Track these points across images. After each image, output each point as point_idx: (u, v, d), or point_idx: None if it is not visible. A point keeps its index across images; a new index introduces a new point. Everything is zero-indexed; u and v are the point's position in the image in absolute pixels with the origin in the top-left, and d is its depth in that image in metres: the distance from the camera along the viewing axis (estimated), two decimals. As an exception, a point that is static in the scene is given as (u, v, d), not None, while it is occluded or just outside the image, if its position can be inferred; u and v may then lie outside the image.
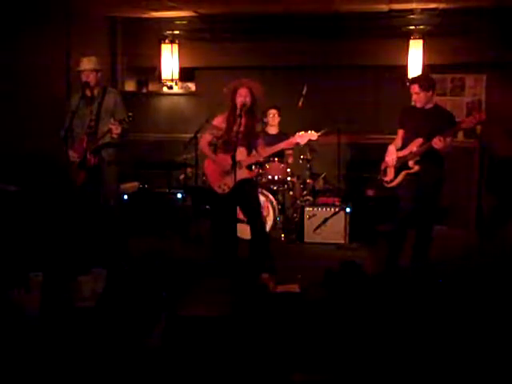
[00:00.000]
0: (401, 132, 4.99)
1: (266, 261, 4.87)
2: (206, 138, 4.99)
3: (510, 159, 6.42)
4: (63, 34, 6.57)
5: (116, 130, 4.84)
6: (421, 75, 5.24)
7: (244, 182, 4.82)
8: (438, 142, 4.54)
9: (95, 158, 5.03)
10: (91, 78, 5.05)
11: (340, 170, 7.04)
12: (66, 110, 5.14)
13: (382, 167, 5.07)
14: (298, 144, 4.80)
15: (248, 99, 4.71)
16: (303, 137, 4.64)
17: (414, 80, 4.85)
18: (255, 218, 4.95)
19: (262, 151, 4.85)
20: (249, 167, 4.86)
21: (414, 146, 4.78)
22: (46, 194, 5.50)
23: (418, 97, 4.78)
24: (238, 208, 5.09)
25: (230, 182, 4.74)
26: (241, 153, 4.75)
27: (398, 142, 4.98)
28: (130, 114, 4.93)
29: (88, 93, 5.09)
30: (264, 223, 5.19)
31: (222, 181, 4.84)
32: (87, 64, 5.07)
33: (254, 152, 4.86)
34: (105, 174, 5.16)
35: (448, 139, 4.59)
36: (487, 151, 6.56)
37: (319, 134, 4.68)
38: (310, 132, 4.64)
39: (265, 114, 6.47)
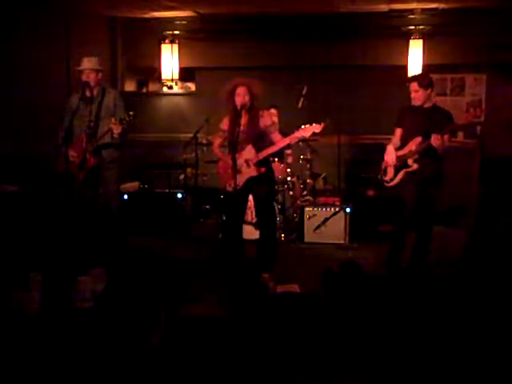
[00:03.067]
0: (399, 131, 5.00)
1: (272, 262, 4.85)
2: (216, 142, 5.01)
3: (510, 159, 6.42)
4: (63, 33, 6.57)
5: (117, 129, 4.83)
6: (420, 73, 5.25)
7: (253, 180, 4.78)
8: (436, 140, 4.57)
9: (95, 159, 5.02)
10: (91, 78, 5.05)
11: (340, 170, 7.04)
12: (66, 110, 5.13)
13: (383, 167, 5.08)
14: (302, 138, 4.76)
15: (247, 98, 4.66)
16: (307, 130, 4.60)
17: (413, 78, 4.90)
18: (265, 218, 4.89)
19: (275, 144, 4.74)
20: (258, 164, 4.77)
21: (413, 145, 4.80)
22: (46, 195, 5.50)
23: (416, 94, 4.79)
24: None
25: (238, 180, 4.73)
26: (248, 151, 4.73)
27: (396, 140, 4.99)
28: (131, 112, 4.89)
29: (88, 93, 5.07)
30: (274, 225, 5.12)
31: (231, 180, 4.74)
32: (87, 63, 5.07)
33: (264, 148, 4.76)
34: (105, 175, 5.15)
35: (446, 137, 4.62)
36: (487, 151, 6.55)
37: (322, 125, 4.62)
38: (313, 125, 4.61)
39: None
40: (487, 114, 6.89)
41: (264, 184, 4.89)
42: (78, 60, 5.17)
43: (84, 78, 5.05)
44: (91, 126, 5.02)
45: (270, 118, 5.00)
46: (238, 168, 4.67)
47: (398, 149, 4.93)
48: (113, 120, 4.87)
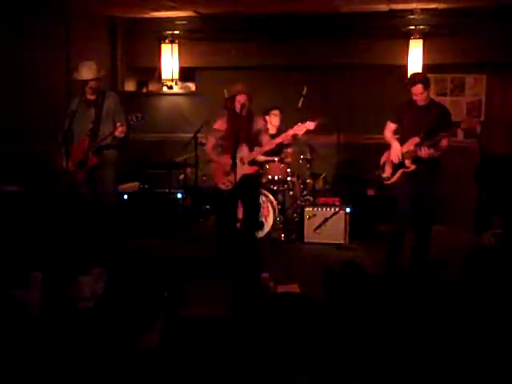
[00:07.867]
0: (392, 126, 5.05)
1: (260, 259, 4.99)
2: (210, 142, 5.18)
3: (510, 159, 6.42)
4: (63, 34, 6.57)
5: (122, 130, 4.91)
6: (421, 74, 5.19)
7: (246, 178, 4.99)
8: (424, 153, 4.68)
9: (96, 158, 5.05)
10: (93, 86, 5.06)
11: (340, 170, 7.03)
12: (68, 113, 5.13)
13: (382, 161, 5.11)
14: (296, 135, 4.95)
15: (246, 103, 4.90)
16: (300, 127, 4.80)
17: (418, 80, 4.81)
18: (249, 216, 5.14)
19: (263, 146, 5.05)
20: (251, 163, 5.03)
21: (411, 145, 4.82)
22: (47, 195, 5.50)
23: (421, 96, 4.79)
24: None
25: (233, 178, 4.88)
26: (243, 150, 4.96)
27: (390, 134, 5.04)
28: (139, 114, 4.99)
29: (89, 96, 5.11)
30: (255, 224, 5.39)
31: (225, 178, 5.03)
32: (87, 73, 5.03)
33: (255, 148, 5.03)
34: (104, 174, 5.18)
35: (432, 149, 4.69)
36: (487, 151, 6.55)
37: (315, 122, 4.77)
38: (307, 122, 4.77)
39: (267, 114, 6.45)
40: (487, 114, 6.89)
41: (255, 182, 5.19)
42: (77, 66, 5.13)
43: (85, 87, 5.06)
44: (92, 128, 5.05)
45: (262, 121, 5.26)
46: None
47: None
48: (118, 124, 4.93)
